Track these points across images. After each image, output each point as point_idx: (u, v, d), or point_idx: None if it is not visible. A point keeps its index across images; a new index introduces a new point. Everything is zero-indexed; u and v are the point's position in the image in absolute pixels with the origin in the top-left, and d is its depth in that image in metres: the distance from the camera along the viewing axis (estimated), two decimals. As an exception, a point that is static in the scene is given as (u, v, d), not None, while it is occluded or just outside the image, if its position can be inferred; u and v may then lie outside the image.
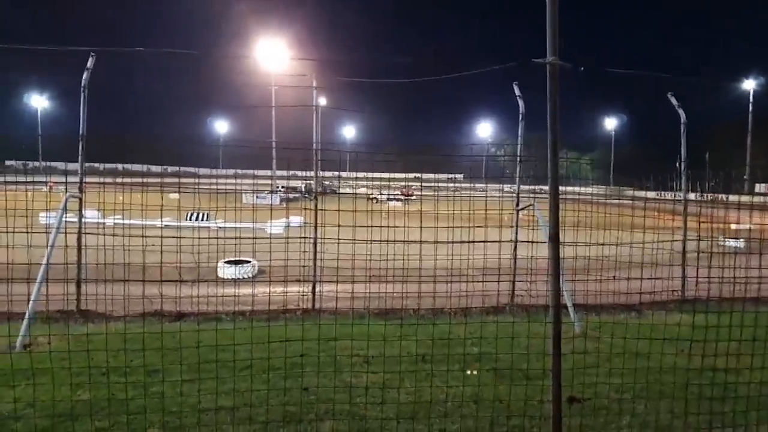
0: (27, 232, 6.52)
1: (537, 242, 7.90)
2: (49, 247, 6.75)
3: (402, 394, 4.79)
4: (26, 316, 6.27)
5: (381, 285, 7.61)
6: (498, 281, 7.96)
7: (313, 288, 8.49)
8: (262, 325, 4.58)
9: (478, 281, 7.82)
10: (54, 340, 5.69)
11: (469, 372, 5.31)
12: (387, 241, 7.23)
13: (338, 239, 7.25)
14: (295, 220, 15.97)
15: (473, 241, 7.47)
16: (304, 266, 8.66)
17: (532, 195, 9.66)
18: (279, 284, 9.05)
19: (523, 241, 9.09)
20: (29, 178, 7.80)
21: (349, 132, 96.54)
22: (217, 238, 8.51)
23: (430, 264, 7.73)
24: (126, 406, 4.15)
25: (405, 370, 4.97)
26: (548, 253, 3.41)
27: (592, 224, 7.88)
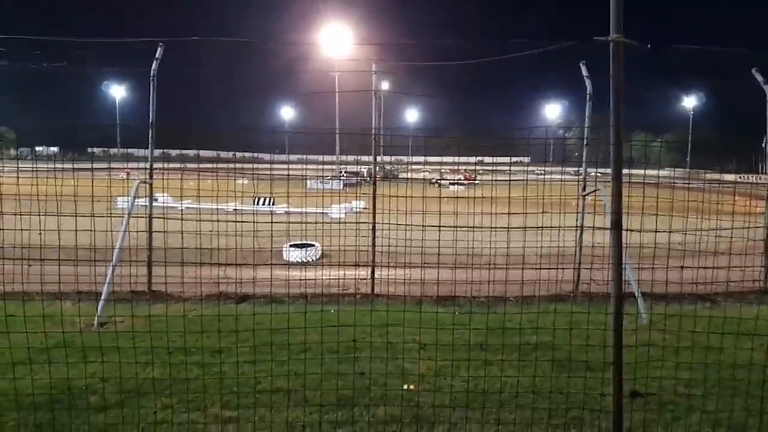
0: (105, 216, 6.91)
1: (604, 228, 7.58)
2: (122, 232, 7.11)
3: (457, 381, 4.75)
4: (102, 296, 6.65)
5: (439, 271, 7.55)
6: (557, 268, 7.72)
7: (372, 273, 8.54)
8: (317, 309, 4.65)
9: (538, 268, 7.61)
10: (126, 320, 6.02)
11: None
12: (445, 226, 7.14)
13: (396, 224, 7.24)
14: (358, 204, 16.14)
15: (534, 227, 7.25)
16: (363, 251, 8.72)
17: (599, 179, 9.26)
18: (340, 268, 9.18)
19: (588, 227, 8.76)
20: (108, 164, 8.23)
21: (411, 116, 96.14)
22: (280, 222, 8.68)
23: (490, 250, 7.59)
24: (192, 384, 4.33)
25: (460, 358, 4.92)
26: (610, 241, 3.25)
27: (667, 209, 7.47)
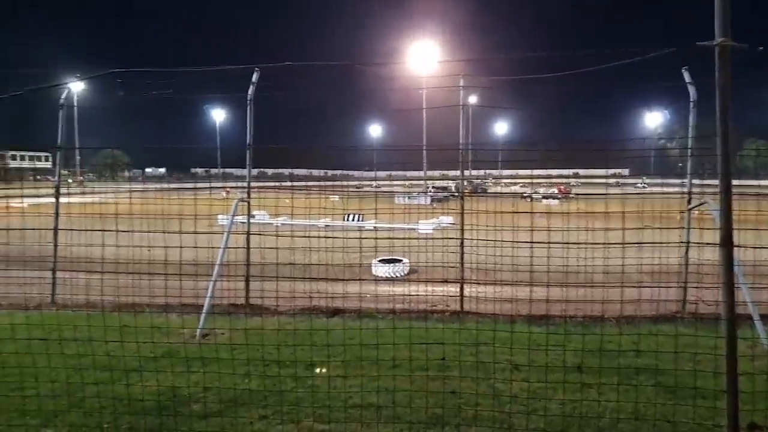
0: (206, 233, 7.34)
1: (714, 245, 7.03)
2: (221, 248, 7.50)
3: (553, 404, 4.55)
4: (204, 309, 7.03)
5: (532, 289, 7.32)
6: (660, 286, 7.23)
7: (461, 290, 8.42)
8: (406, 327, 4.64)
9: (640, 286, 7.17)
10: (226, 332, 6.32)
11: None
12: (538, 242, 6.92)
13: (486, 239, 7.11)
14: (446, 220, 16.05)
15: (635, 243, 6.86)
16: (452, 267, 8.64)
17: (705, 192, 8.62)
18: (429, 284, 9.14)
19: (695, 244, 8.15)
20: (208, 183, 8.74)
21: (500, 129, 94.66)
22: (369, 238, 8.80)
23: (587, 267, 7.26)
24: (287, 396, 4.46)
25: (556, 380, 4.71)
26: (719, 259, 3.00)
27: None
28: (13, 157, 64.64)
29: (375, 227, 14.00)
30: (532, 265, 6.69)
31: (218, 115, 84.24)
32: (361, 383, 4.49)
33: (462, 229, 8.51)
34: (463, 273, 8.48)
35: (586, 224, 6.87)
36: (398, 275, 11.74)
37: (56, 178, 9.64)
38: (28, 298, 8.14)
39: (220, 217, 11.82)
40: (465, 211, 8.48)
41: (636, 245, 6.85)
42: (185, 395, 4.69)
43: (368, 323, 6.59)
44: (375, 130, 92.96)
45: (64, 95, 9.51)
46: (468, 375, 4.74)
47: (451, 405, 4.49)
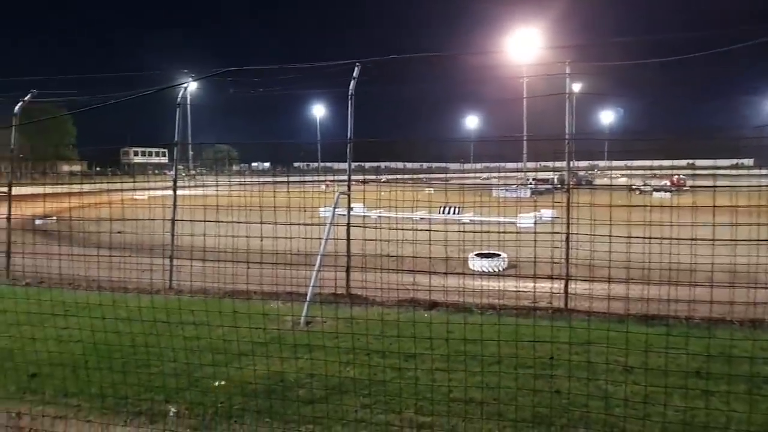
0: (307, 225, 7.60)
1: None
2: (323, 240, 7.71)
3: (670, 410, 4.25)
4: (307, 297, 7.27)
5: (644, 287, 6.88)
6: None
7: (566, 287, 8.09)
8: (510, 323, 4.52)
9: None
10: (329, 321, 6.50)
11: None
12: (651, 237, 6.48)
13: (592, 234, 6.77)
14: (547, 213, 15.49)
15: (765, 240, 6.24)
16: (555, 263, 8.32)
17: None
18: (529, 280, 8.87)
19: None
20: (309, 177, 9.03)
21: (606, 118, 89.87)
22: (466, 231, 8.69)
23: (705, 266, 6.71)
24: (386, 386, 4.50)
25: (673, 385, 4.39)
26: None
27: None
28: (135, 153, 70.66)
29: (472, 220, 13.80)
30: (647, 262, 6.28)
31: (318, 110, 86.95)
32: (465, 378, 4.43)
33: (568, 223, 8.17)
34: (568, 269, 8.15)
35: (707, 219, 6.34)
36: (496, 270, 11.50)
37: (173, 172, 10.36)
38: (149, 283, 8.84)
39: (321, 209, 12.18)
40: (571, 204, 8.13)
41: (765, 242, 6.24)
42: (291, 380, 4.88)
43: (468, 318, 6.50)
44: (472, 122, 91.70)
45: (180, 94, 10.18)
46: (575, 375, 4.54)
47: (557, 405, 4.32)
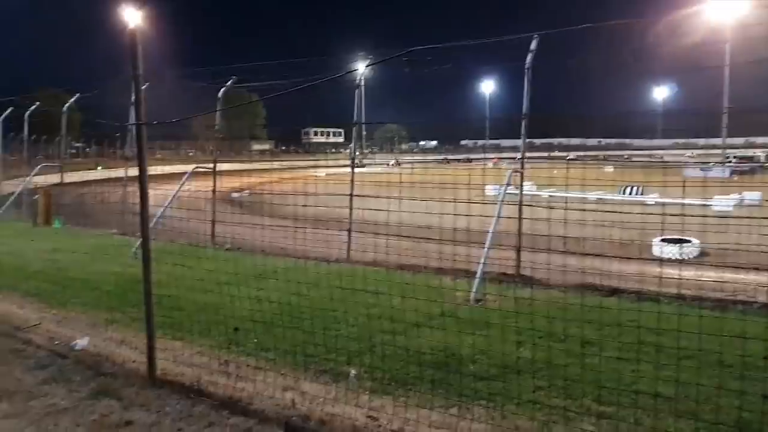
0: (475, 202, 7.56)
1: None
2: (495, 218, 7.60)
3: None
4: (477, 275, 7.24)
5: None
6: None
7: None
8: (708, 315, 4.04)
9: None
10: (499, 300, 6.41)
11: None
12: None
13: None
14: (750, 196, 13.58)
15: None
16: (757, 252, 7.30)
17: None
18: (727, 270, 7.91)
19: None
20: (477, 155, 8.93)
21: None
22: (652, 214, 7.96)
23: None
24: (562, 371, 4.32)
25: None
26: None
27: None
28: (315, 133, 76.02)
29: (658, 203, 12.61)
30: None
31: (487, 87, 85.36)
32: (651, 370, 4.08)
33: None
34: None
35: None
36: (686, 257, 10.40)
37: (351, 150, 10.94)
38: (329, 253, 9.49)
39: (488, 186, 12.01)
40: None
41: None
42: (462, 355, 4.91)
43: (653, 307, 5.96)
44: (661, 93, 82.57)
45: (359, 77, 10.66)
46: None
47: (766, 411, 3.78)
